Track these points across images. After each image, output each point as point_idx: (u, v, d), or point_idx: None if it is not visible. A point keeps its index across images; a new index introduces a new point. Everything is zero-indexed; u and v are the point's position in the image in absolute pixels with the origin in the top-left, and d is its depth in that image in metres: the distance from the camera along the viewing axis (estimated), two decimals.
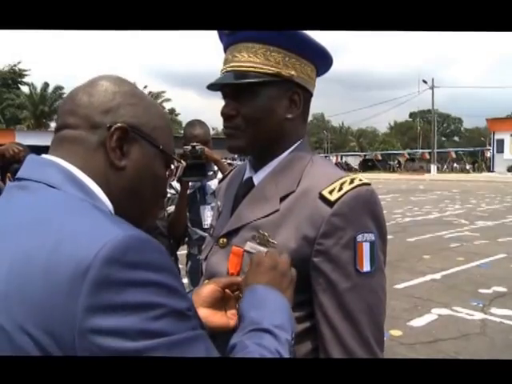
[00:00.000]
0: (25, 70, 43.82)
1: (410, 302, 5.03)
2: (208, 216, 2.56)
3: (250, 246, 0.97)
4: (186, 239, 2.71)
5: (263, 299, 0.83)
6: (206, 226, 2.53)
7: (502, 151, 37.04)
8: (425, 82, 40.05)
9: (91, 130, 0.75)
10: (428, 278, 5.99)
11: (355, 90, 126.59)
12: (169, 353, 0.60)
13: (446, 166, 43.45)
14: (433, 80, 39.96)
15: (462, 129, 73.88)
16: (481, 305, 4.91)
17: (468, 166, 42.02)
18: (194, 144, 2.46)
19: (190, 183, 2.55)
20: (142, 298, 0.59)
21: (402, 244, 8.05)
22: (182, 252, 2.81)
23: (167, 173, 0.84)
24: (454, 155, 43.33)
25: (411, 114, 69.55)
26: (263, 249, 0.94)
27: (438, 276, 6.07)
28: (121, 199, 0.75)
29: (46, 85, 42.93)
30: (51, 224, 0.63)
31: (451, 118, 72.09)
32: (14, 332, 0.58)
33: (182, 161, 0.89)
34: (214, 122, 22.76)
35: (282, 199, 0.98)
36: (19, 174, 0.73)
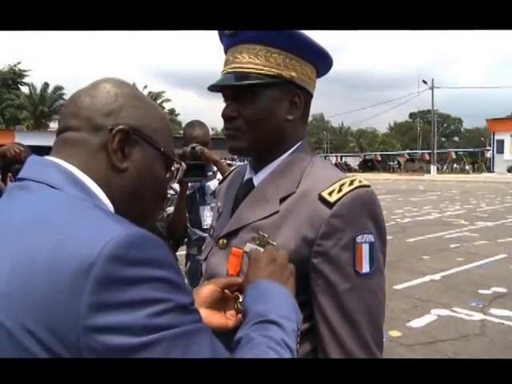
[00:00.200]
0: (25, 71, 43.81)
1: (410, 302, 5.02)
2: (207, 216, 2.56)
3: (249, 247, 0.97)
4: (186, 240, 2.71)
5: (266, 292, 0.83)
6: (205, 227, 2.53)
7: (502, 152, 37.01)
8: (425, 82, 40.02)
9: (93, 132, 0.75)
10: (427, 278, 5.99)
11: (355, 90, 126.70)
12: (174, 345, 0.60)
13: (445, 167, 43.40)
14: (432, 80, 39.99)
15: (461, 129, 73.81)
16: (480, 305, 4.91)
17: (468, 167, 41.94)
18: (194, 145, 2.47)
19: (190, 184, 2.55)
20: (147, 294, 0.59)
21: (402, 244, 8.05)
22: (182, 253, 2.81)
23: (167, 175, 0.85)
24: (453, 156, 43.28)
25: (411, 115, 69.49)
26: (263, 250, 0.94)
27: (437, 277, 6.06)
28: (121, 201, 0.76)
29: (46, 85, 42.88)
30: (53, 223, 0.63)
31: (451, 119, 72.00)
32: (14, 329, 0.58)
33: (183, 163, 0.89)
34: (214, 122, 22.79)
35: (282, 200, 0.98)
36: (20, 175, 0.74)
